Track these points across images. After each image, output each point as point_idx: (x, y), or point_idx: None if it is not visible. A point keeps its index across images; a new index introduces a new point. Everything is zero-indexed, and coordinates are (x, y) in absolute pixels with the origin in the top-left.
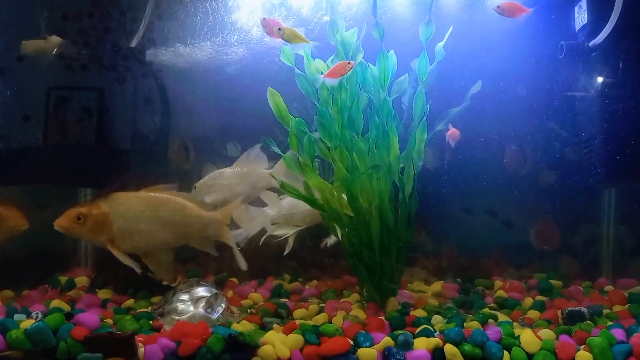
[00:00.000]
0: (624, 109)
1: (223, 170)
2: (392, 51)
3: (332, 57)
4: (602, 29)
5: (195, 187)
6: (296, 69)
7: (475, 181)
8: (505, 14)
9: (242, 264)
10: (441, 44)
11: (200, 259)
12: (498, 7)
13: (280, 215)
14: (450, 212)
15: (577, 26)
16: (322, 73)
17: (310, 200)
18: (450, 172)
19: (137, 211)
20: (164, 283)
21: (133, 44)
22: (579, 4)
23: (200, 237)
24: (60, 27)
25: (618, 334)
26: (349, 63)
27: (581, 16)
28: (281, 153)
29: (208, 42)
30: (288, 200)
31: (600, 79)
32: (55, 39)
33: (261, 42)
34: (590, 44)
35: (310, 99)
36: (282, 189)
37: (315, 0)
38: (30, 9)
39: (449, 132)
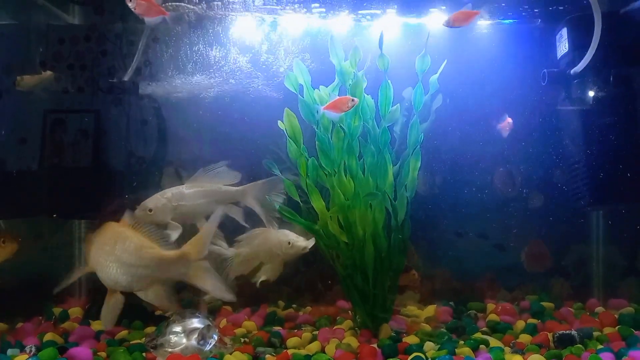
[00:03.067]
0: (608, 133)
1: (180, 189)
2: (389, 81)
3: (332, 84)
4: (582, 57)
5: (150, 210)
6: (299, 96)
7: (466, 204)
8: (456, 25)
9: (228, 297)
10: (435, 76)
11: (195, 288)
12: (447, 21)
13: (248, 253)
14: (442, 235)
15: (559, 54)
16: (324, 101)
17: (307, 225)
18: (441, 196)
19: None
20: (157, 313)
21: (127, 75)
22: (560, 32)
23: (160, 281)
24: (56, 52)
25: (607, 358)
26: (352, 100)
27: (562, 45)
28: (282, 177)
29: (203, 70)
30: (257, 241)
31: (583, 105)
32: (48, 74)
33: (256, 71)
34: (572, 71)
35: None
36: (280, 214)
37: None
38: (26, 33)
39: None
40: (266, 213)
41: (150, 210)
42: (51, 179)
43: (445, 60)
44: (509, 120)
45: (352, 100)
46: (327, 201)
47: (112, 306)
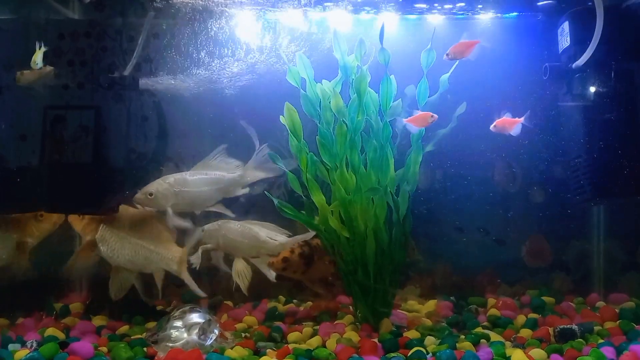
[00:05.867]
0: (609, 127)
1: (184, 176)
2: (392, 76)
3: (335, 79)
4: (584, 51)
5: (151, 195)
6: (301, 90)
7: (467, 199)
8: (457, 57)
9: (199, 293)
10: (446, 75)
11: (196, 282)
12: (447, 54)
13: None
14: (443, 230)
15: (561, 48)
16: (327, 97)
17: (306, 220)
18: (442, 191)
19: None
20: (158, 308)
21: (128, 69)
22: (562, 27)
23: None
24: (56, 47)
25: (608, 352)
26: (432, 116)
27: (564, 39)
28: (287, 170)
29: (203, 66)
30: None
31: (584, 99)
32: (48, 69)
33: (255, 67)
34: (573, 65)
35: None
36: (279, 210)
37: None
38: (26, 29)
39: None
40: (272, 173)
41: (151, 194)
42: (51, 174)
43: (457, 61)
44: (506, 119)
45: (432, 116)
46: (328, 196)
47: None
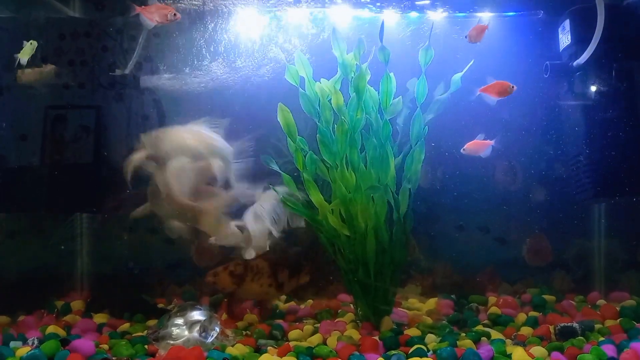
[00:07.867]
0: (610, 126)
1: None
2: (392, 74)
3: (334, 77)
4: (585, 49)
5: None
6: (300, 89)
7: (468, 198)
8: (474, 40)
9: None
10: (459, 74)
11: (197, 280)
12: (466, 37)
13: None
14: (444, 229)
15: (561, 46)
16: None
17: (309, 215)
18: (443, 190)
19: None
20: (159, 306)
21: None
22: (562, 25)
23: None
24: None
25: (609, 350)
26: (512, 87)
27: (565, 37)
28: (281, 172)
29: (203, 64)
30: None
31: (585, 97)
32: (49, 67)
33: (256, 65)
34: (574, 63)
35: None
36: (283, 204)
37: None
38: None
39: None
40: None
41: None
42: (52, 174)
43: (472, 60)
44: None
45: (513, 87)
46: (328, 195)
47: None
